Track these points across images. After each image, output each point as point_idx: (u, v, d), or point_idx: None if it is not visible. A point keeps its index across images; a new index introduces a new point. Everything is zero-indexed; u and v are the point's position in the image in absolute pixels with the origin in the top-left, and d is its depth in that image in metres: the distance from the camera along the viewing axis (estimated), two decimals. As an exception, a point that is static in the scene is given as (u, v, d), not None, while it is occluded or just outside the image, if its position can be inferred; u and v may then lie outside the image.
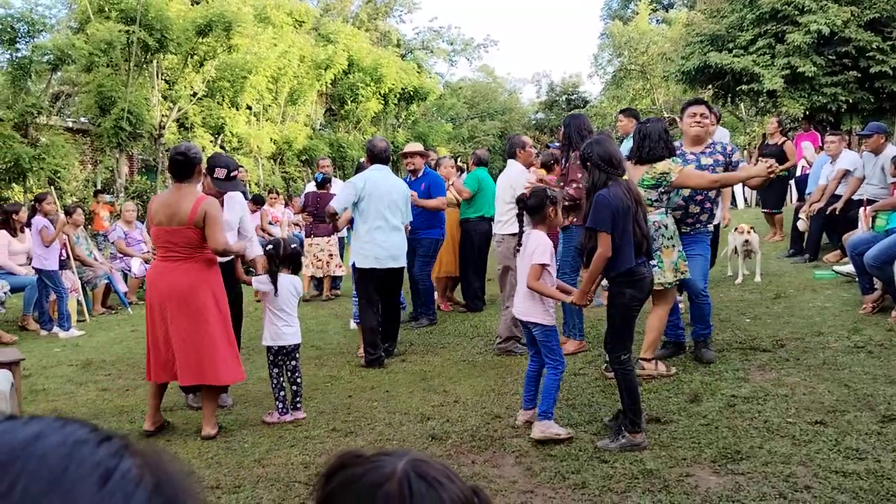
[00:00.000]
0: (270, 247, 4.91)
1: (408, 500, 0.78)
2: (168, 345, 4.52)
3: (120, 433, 0.51)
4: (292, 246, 4.97)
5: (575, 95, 39.81)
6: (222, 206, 4.82)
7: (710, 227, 5.48)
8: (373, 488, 0.80)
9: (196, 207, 4.38)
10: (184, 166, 4.49)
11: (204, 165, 4.91)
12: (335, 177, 11.53)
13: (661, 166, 4.74)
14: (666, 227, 4.87)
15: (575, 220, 5.53)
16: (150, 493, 0.47)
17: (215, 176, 5.01)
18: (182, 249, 4.45)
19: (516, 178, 6.20)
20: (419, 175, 7.38)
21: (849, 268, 6.53)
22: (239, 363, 4.69)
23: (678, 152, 5.14)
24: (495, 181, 6.92)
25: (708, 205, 5.23)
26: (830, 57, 17.57)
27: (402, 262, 6.12)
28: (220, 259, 4.74)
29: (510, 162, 6.51)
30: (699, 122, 5.23)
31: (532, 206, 4.20)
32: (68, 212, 9.32)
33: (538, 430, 4.00)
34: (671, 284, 4.94)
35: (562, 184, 5.75)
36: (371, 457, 0.85)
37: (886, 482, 3.14)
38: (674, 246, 4.90)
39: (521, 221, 4.32)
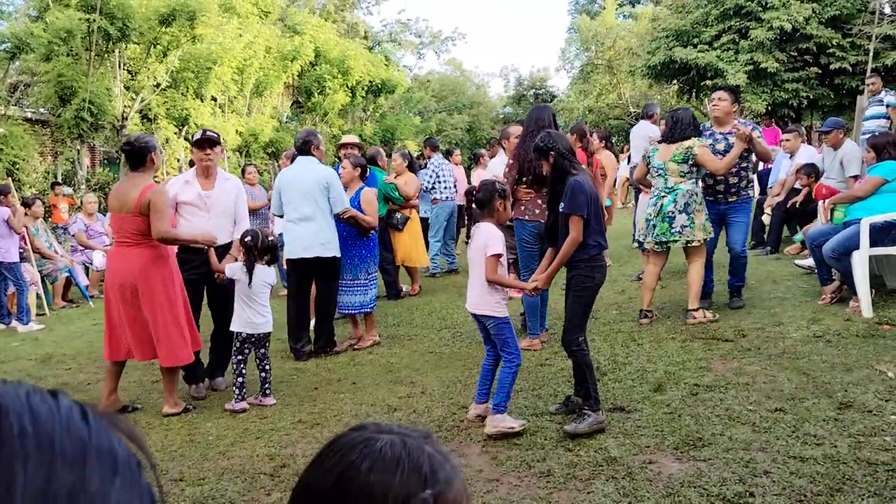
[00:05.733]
0: (249, 238, 4.93)
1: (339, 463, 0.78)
2: (123, 326, 4.68)
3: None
4: (269, 238, 5.03)
5: (542, 90, 39.97)
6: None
7: (751, 193, 6.43)
8: (336, 451, 0.80)
9: (141, 196, 4.52)
10: (133, 155, 4.66)
11: (160, 155, 4.92)
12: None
13: (687, 143, 5.79)
14: (696, 194, 5.82)
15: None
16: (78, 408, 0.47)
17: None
18: (132, 236, 4.59)
19: (498, 169, 6.24)
20: None
21: (809, 261, 6.66)
22: (187, 345, 4.76)
23: (707, 133, 6.19)
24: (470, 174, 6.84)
25: (743, 172, 6.14)
26: (792, 53, 17.89)
27: (317, 252, 5.90)
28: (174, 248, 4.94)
29: (500, 151, 6.53)
30: (716, 106, 6.21)
31: (481, 200, 4.09)
32: (27, 203, 9.13)
33: (491, 425, 3.93)
34: (702, 241, 5.82)
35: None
36: (368, 429, 0.83)
37: (843, 467, 3.21)
38: (702, 210, 5.82)
39: (469, 214, 4.35)
